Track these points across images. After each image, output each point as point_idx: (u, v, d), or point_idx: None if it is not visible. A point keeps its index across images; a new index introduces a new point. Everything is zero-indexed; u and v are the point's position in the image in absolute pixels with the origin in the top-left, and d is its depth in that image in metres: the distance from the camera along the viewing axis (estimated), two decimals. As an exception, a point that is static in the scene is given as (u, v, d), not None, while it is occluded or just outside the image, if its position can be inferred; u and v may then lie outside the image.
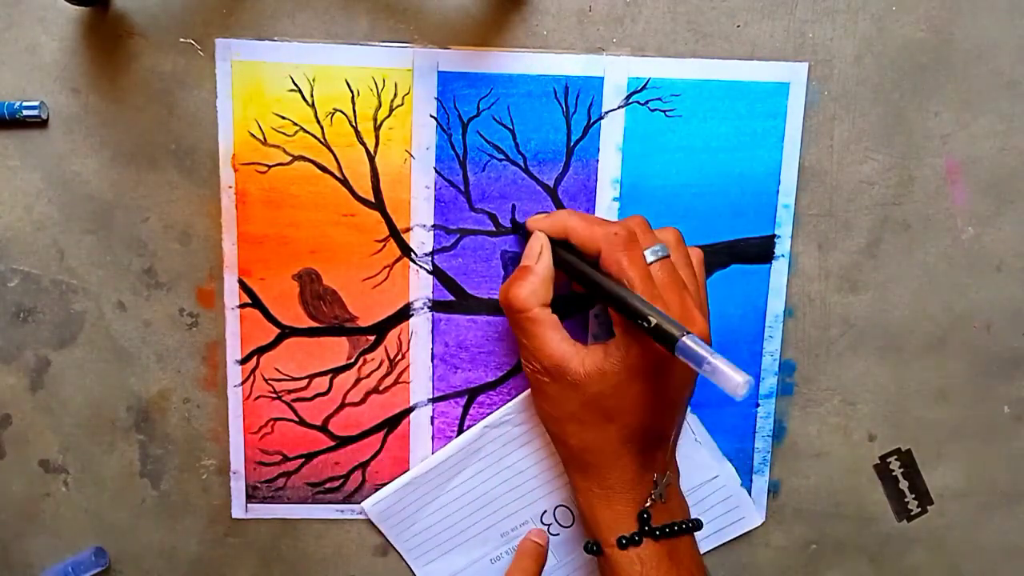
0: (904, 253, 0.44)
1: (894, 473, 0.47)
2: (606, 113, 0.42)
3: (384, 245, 0.43)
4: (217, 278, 0.43)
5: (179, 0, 0.40)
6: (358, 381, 0.44)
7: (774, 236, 0.43)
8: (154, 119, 0.41)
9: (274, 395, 0.44)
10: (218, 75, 0.41)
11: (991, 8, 0.42)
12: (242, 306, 0.43)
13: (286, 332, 0.43)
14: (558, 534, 0.46)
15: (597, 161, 0.42)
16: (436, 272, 0.43)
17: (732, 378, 0.31)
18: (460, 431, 0.45)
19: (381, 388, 0.44)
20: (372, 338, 0.44)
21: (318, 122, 0.41)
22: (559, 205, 0.43)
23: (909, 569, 0.48)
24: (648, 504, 0.39)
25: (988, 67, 0.42)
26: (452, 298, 0.43)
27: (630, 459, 0.39)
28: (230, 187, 0.42)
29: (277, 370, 0.44)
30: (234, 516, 0.46)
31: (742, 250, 0.44)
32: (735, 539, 0.47)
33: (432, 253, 0.43)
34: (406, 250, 0.43)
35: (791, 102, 0.42)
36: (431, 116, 0.41)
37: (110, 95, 0.41)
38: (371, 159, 0.42)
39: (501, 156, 0.42)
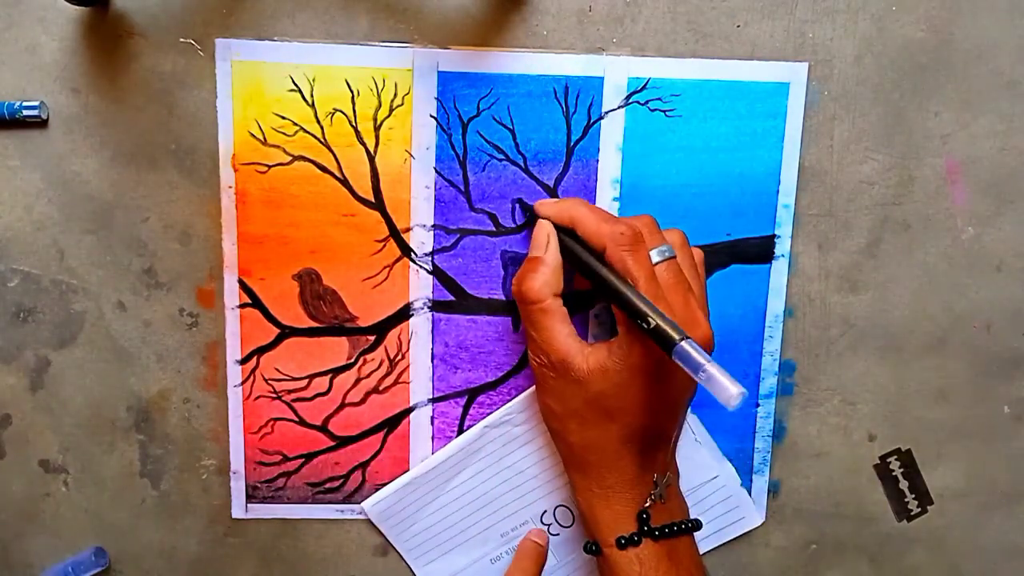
0: (904, 253, 0.44)
1: (894, 473, 0.47)
2: (606, 113, 0.42)
3: (384, 245, 0.43)
4: (217, 278, 0.43)
5: (179, 0, 0.40)
6: (358, 381, 0.44)
7: (774, 236, 0.43)
8: (154, 119, 0.41)
9: (274, 395, 0.44)
10: (218, 75, 0.41)
11: (991, 8, 0.42)
12: (242, 306, 0.43)
13: (286, 332, 0.43)
14: (558, 534, 0.46)
15: (597, 161, 0.42)
16: (436, 272, 0.43)
17: (726, 388, 0.31)
18: (460, 431, 0.45)
19: (381, 388, 0.44)
20: (372, 338, 0.44)
21: (318, 122, 0.41)
22: (559, 205, 0.43)
23: (909, 569, 0.48)
24: (647, 504, 0.39)
25: (988, 67, 0.42)
26: (452, 298, 0.43)
27: (630, 459, 0.39)
28: (230, 187, 0.42)
29: (277, 370, 0.44)
30: (234, 516, 0.46)
31: (742, 250, 0.44)
32: (735, 539, 0.47)
33: (432, 253, 0.43)
34: (406, 250, 0.43)
35: (791, 102, 0.42)
36: (431, 116, 0.41)
37: (110, 95, 0.41)
38: (371, 159, 0.42)
39: (501, 156, 0.42)
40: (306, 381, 0.44)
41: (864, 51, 0.42)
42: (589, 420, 0.38)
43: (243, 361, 0.44)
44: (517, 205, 0.42)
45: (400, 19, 0.41)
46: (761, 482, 0.46)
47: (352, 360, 0.44)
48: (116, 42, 0.40)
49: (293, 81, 0.41)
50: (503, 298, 0.43)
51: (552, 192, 0.43)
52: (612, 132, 0.42)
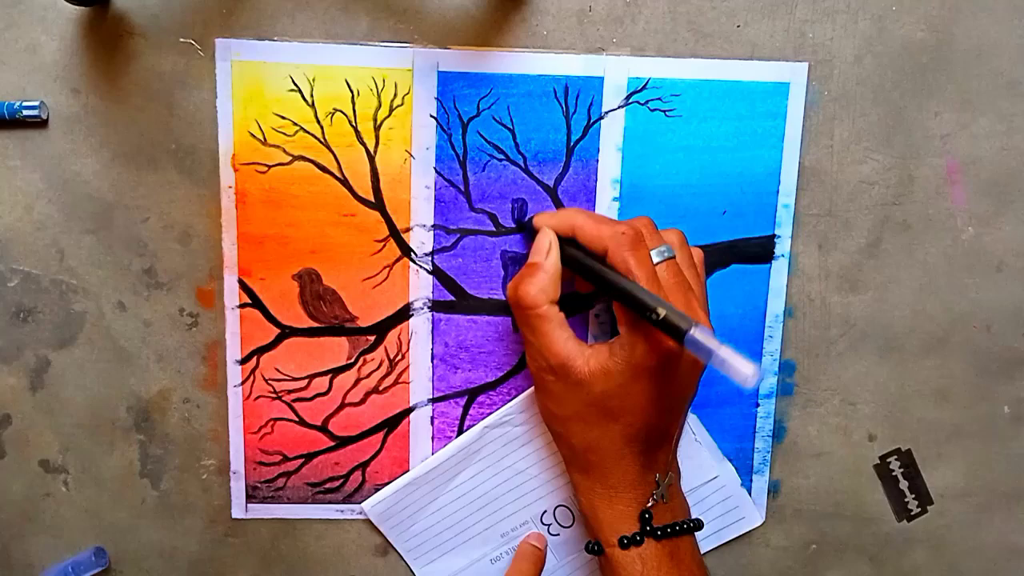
0: (904, 253, 0.44)
1: (894, 473, 0.47)
2: (606, 113, 0.42)
3: (384, 245, 0.43)
4: (217, 278, 0.43)
5: (179, 0, 0.40)
6: (358, 381, 0.44)
7: (774, 236, 0.43)
8: (154, 119, 0.41)
9: (274, 395, 0.44)
10: (218, 75, 0.41)
11: (991, 8, 0.42)
12: (242, 306, 0.43)
13: (286, 332, 0.43)
14: (558, 534, 0.46)
15: (597, 161, 0.42)
16: (436, 272, 0.43)
17: (741, 369, 0.31)
18: (460, 431, 0.45)
19: (381, 388, 0.44)
20: (372, 338, 0.44)
21: (318, 122, 0.41)
22: (559, 205, 0.43)
23: (909, 569, 0.48)
24: (650, 504, 0.39)
25: (988, 67, 0.42)
26: (452, 298, 0.43)
27: (632, 459, 0.39)
28: (230, 187, 0.42)
29: (277, 370, 0.44)
30: (234, 516, 0.46)
31: (742, 250, 0.44)
32: (735, 539, 0.47)
33: (432, 253, 0.43)
34: (406, 250, 0.43)
35: (791, 102, 0.42)
36: (431, 116, 0.41)
37: (110, 95, 0.41)
38: (371, 159, 0.42)
39: (501, 156, 0.42)
40: (306, 381, 0.44)
41: (864, 51, 0.42)
42: (591, 421, 0.38)
43: (243, 361, 0.44)
44: (516, 216, 0.42)
45: (400, 19, 0.41)
46: (761, 482, 0.46)
47: (352, 360, 0.44)
48: (116, 42, 0.40)
49: (293, 81, 0.41)
50: (503, 298, 0.43)
51: (552, 192, 0.43)
52: (612, 132, 0.42)
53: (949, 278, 0.44)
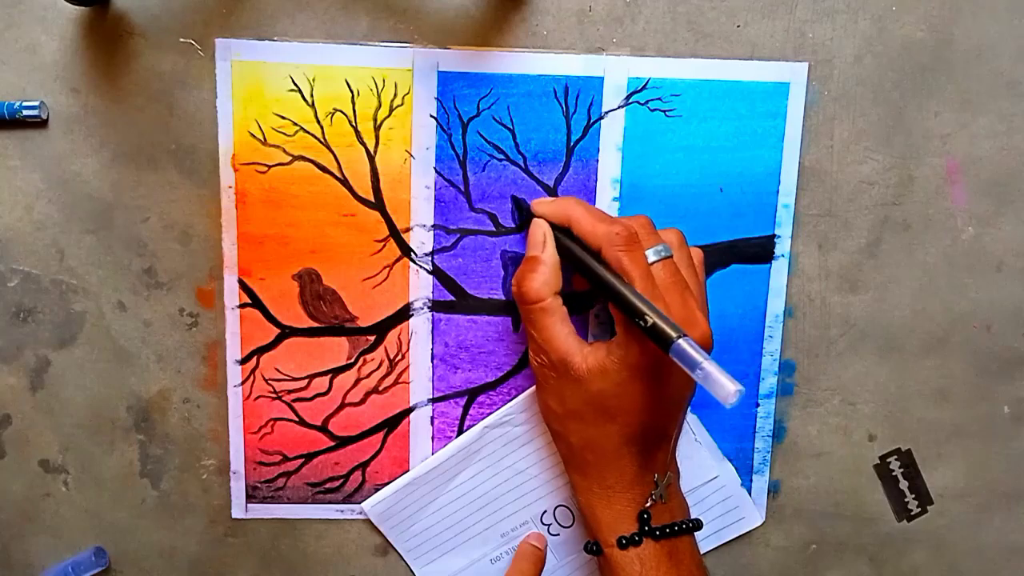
0: (904, 253, 0.44)
1: (894, 473, 0.47)
2: (606, 113, 0.42)
3: (384, 245, 0.43)
4: (217, 278, 0.43)
5: (179, 0, 0.40)
6: (358, 381, 0.44)
7: (774, 236, 0.43)
8: (154, 119, 0.41)
9: (274, 395, 0.44)
10: (218, 75, 0.41)
11: (991, 8, 0.42)
12: (242, 306, 0.43)
13: (286, 332, 0.43)
14: (558, 534, 0.46)
15: (597, 161, 0.42)
16: (436, 272, 0.43)
17: (724, 385, 0.31)
18: (460, 431, 0.45)
19: (381, 388, 0.44)
20: (372, 338, 0.44)
21: (318, 122, 0.41)
22: (559, 205, 0.43)
23: (909, 569, 0.48)
24: (648, 504, 0.39)
25: (988, 67, 0.42)
26: (452, 298, 0.43)
27: (630, 459, 0.39)
28: (230, 187, 0.42)
29: (277, 370, 0.44)
30: (234, 516, 0.46)
31: (742, 250, 0.44)
32: (735, 539, 0.47)
33: (432, 253, 0.43)
34: (406, 250, 0.43)
35: (791, 102, 0.42)
36: (431, 116, 0.41)
37: (110, 95, 0.41)
38: (371, 159, 0.42)
39: (501, 156, 0.42)
40: (306, 381, 0.44)
41: (864, 51, 0.42)
42: (589, 420, 0.38)
43: (243, 361, 0.44)
44: (514, 203, 0.42)
45: (400, 19, 0.41)
46: (761, 482, 0.46)
47: (352, 360, 0.44)
48: (116, 42, 0.40)
49: (293, 81, 0.41)
50: (503, 298, 0.43)
51: (552, 192, 0.42)
52: (612, 132, 0.42)
53: (949, 278, 0.44)
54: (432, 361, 0.44)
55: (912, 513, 0.47)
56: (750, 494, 0.46)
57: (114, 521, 0.46)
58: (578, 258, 0.38)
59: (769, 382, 0.45)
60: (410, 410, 0.45)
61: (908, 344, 0.45)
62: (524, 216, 0.42)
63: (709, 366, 0.31)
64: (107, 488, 0.45)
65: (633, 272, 0.36)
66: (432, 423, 0.45)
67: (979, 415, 0.46)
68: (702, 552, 0.43)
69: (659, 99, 0.42)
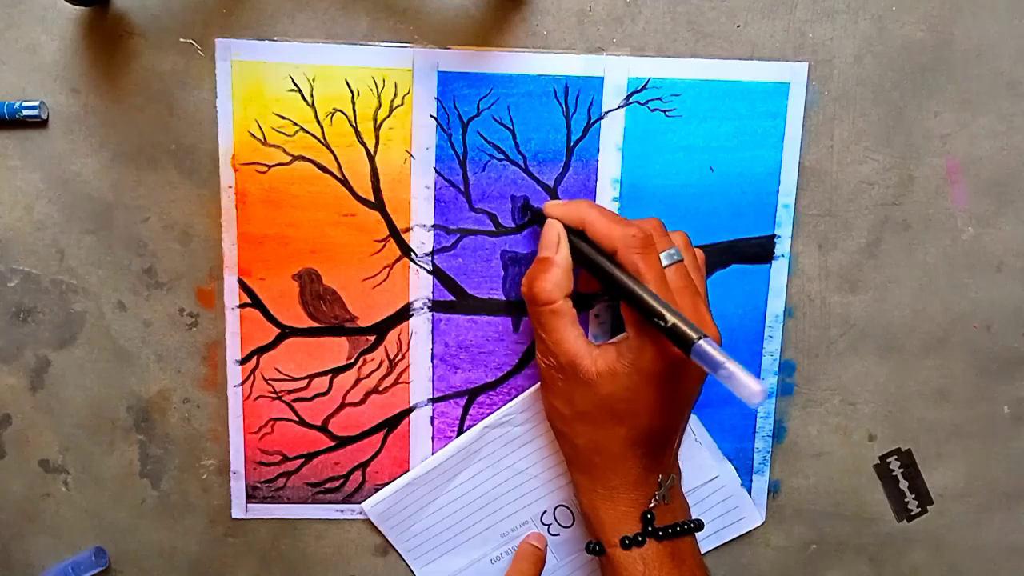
0: (904, 253, 0.44)
1: (894, 473, 0.47)
2: (606, 113, 0.42)
3: (384, 245, 0.43)
4: (217, 278, 0.43)
5: (179, 0, 0.40)
6: (358, 381, 0.44)
7: (774, 236, 0.43)
8: (154, 119, 0.41)
9: (274, 395, 0.44)
10: (218, 75, 0.41)
11: (991, 8, 0.42)
12: (242, 306, 0.43)
13: (286, 332, 0.43)
14: (558, 534, 0.46)
15: (597, 161, 0.42)
16: (436, 272, 0.43)
17: (748, 385, 0.30)
18: (460, 431, 0.45)
19: (381, 388, 0.44)
20: (372, 338, 0.44)
21: (318, 122, 0.41)
22: (559, 205, 0.43)
23: (909, 569, 0.48)
24: (652, 505, 0.39)
25: (988, 67, 0.42)
26: (452, 298, 0.43)
27: (636, 461, 0.39)
28: (230, 187, 0.42)
29: (277, 370, 0.44)
30: (234, 516, 0.46)
31: (742, 250, 0.44)
32: (735, 539, 0.47)
33: (432, 253, 0.43)
34: (406, 250, 0.43)
35: (791, 102, 0.42)
36: (431, 116, 0.41)
37: (110, 95, 0.41)
38: (371, 159, 0.42)
39: (501, 156, 0.42)
40: (306, 381, 0.44)
41: (864, 51, 0.42)
42: (596, 422, 0.38)
43: (243, 361, 0.44)
44: (522, 206, 0.42)
45: (400, 19, 0.41)
46: (761, 482, 0.46)
47: (352, 360, 0.44)
48: (116, 42, 0.40)
49: (293, 81, 0.41)
50: (503, 298, 0.43)
51: (552, 192, 0.43)
52: (612, 132, 0.42)
53: (949, 278, 0.44)
54: (432, 361, 0.44)
55: (912, 513, 0.47)
56: (750, 494, 0.46)
57: (114, 521, 0.46)
58: (592, 260, 0.38)
59: (769, 382, 0.45)
60: (410, 410, 0.45)
61: (908, 344, 0.45)
62: (533, 218, 0.42)
63: (733, 366, 0.31)
64: (107, 488, 0.45)
65: (648, 275, 0.36)
66: (432, 423, 0.45)
67: (979, 415, 0.46)
68: (703, 552, 0.43)
69: (659, 99, 0.42)
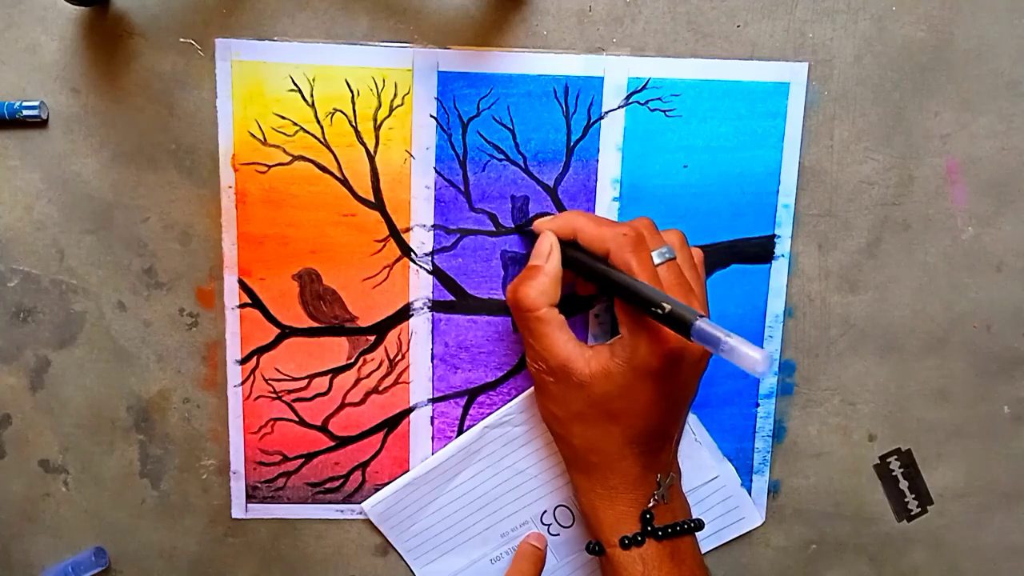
0: (904, 253, 0.44)
1: (894, 473, 0.47)
2: (606, 113, 0.42)
3: (384, 245, 0.43)
4: (217, 278, 0.43)
5: (179, 0, 0.40)
6: (358, 381, 0.44)
7: (774, 236, 0.43)
8: (154, 119, 0.41)
9: (274, 395, 0.44)
10: (218, 75, 0.41)
11: (991, 8, 0.42)
12: (242, 306, 0.43)
13: (286, 332, 0.43)
14: (558, 534, 0.46)
15: (597, 161, 0.42)
16: (436, 272, 0.43)
17: (750, 355, 0.30)
18: (460, 431, 0.45)
19: (381, 388, 0.44)
20: (372, 338, 0.44)
21: (318, 122, 0.41)
22: (559, 205, 0.43)
23: (909, 569, 0.48)
24: (651, 504, 0.39)
25: (988, 67, 0.42)
26: (452, 298, 0.43)
27: (633, 460, 0.39)
28: (230, 187, 0.42)
29: (277, 370, 0.44)
30: (234, 516, 0.46)
31: (742, 250, 0.44)
32: (735, 539, 0.47)
33: (432, 253, 0.43)
34: (406, 250, 0.43)
35: (791, 102, 0.42)
36: (431, 116, 0.41)
37: (110, 95, 0.41)
38: (371, 159, 0.42)
39: (501, 156, 0.42)
40: (306, 381, 0.44)
41: (864, 51, 0.42)
42: (592, 422, 0.38)
43: (243, 361, 0.44)
44: (517, 211, 0.42)
45: (400, 19, 0.41)
46: (761, 482, 0.46)
47: (352, 360, 0.44)
48: (116, 42, 0.40)
49: (293, 81, 0.41)
50: (503, 298, 0.43)
51: (552, 192, 0.43)
52: (612, 132, 0.42)
53: (949, 278, 0.44)
54: (432, 361, 0.44)
55: (912, 513, 0.47)
56: (750, 494, 0.46)
57: (114, 521, 0.46)
58: (586, 264, 0.38)
59: (769, 382, 0.45)
60: (410, 410, 0.45)
61: (908, 344, 0.45)
62: (527, 235, 0.42)
63: (733, 340, 0.31)
64: (107, 488, 0.45)
65: (641, 273, 0.36)
66: (432, 423, 0.45)
67: (979, 415, 0.46)
68: (703, 552, 0.43)
69: (659, 99, 0.42)
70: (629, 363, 0.37)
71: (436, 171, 0.42)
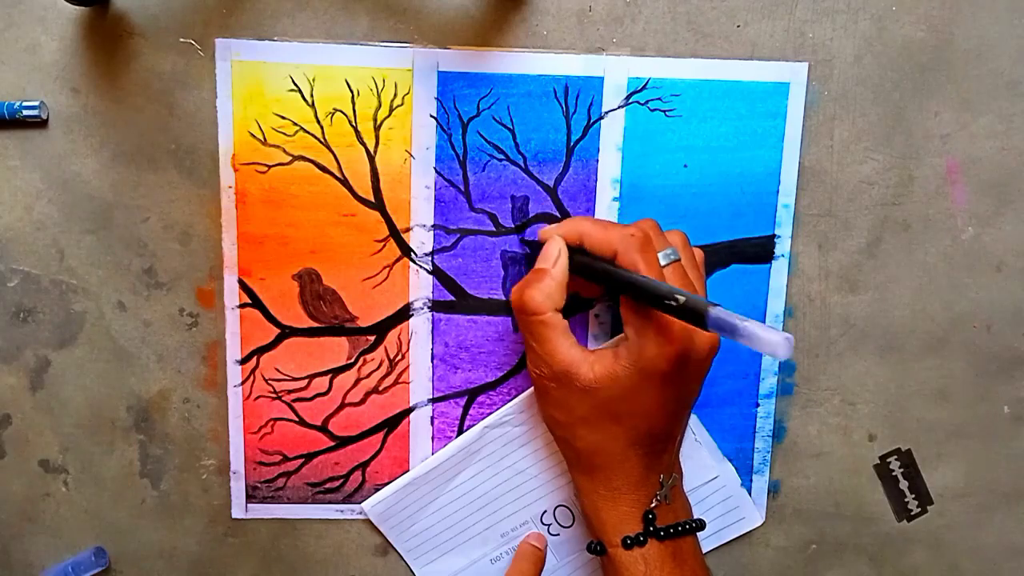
0: (904, 253, 0.44)
1: (894, 473, 0.47)
2: (606, 113, 0.42)
3: (384, 245, 0.43)
4: (217, 278, 0.43)
5: (179, 0, 0.40)
6: (358, 381, 0.44)
7: (774, 236, 0.43)
8: (154, 119, 0.41)
9: (274, 395, 0.44)
10: (218, 75, 0.41)
11: (991, 8, 0.42)
12: (242, 306, 0.43)
13: (286, 332, 0.43)
14: (558, 534, 0.46)
15: (597, 161, 0.42)
16: (436, 272, 0.43)
17: (770, 340, 0.29)
18: (460, 431, 0.45)
19: (381, 388, 0.44)
20: (372, 338, 0.44)
21: (318, 122, 0.41)
22: (559, 205, 0.43)
23: (909, 569, 0.48)
24: (653, 504, 0.39)
25: (988, 67, 0.42)
26: (452, 298, 0.43)
27: (637, 461, 0.39)
28: (230, 187, 0.42)
29: (277, 370, 0.44)
30: (234, 516, 0.46)
31: (742, 250, 0.44)
32: (735, 539, 0.47)
33: (432, 253, 0.43)
34: (406, 250, 0.43)
35: (791, 102, 0.42)
36: (431, 116, 0.41)
37: (110, 95, 0.41)
38: (371, 159, 0.42)
39: (501, 156, 0.42)
40: (306, 381, 0.44)
41: (864, 51, 0.42)
42: (596, 425, 0.38)
43: (243, 361, 0.44)
44: (517, 212, 0.43)
45: (400, 19, 0.41)
46: (761, 482, 0.46)
47: (352, 360, 0.44)
48: (116, 42, 0.40)
49: (293, 81, 0.41)
50: (503, 298, 0.43)
51: (552, 192, 0.43)
52: (612, 132, 0.42)
53: (949, 278, 0.44)
54: (432, 361, 0.44)
55: (912, 513, 0.47)
56: (750, 494, 0.46)
57: (114, 521, 0.46)
58: (594, 267, 0.38)
59: (769, 382, 0.45)
60: (410, 410, 0.45)
61: (908, 344, 0.45)
62: (532, 248, 0.43)
63: (751, 325, 0.30)
64: (107, 488, 0.45)
65: (649, 274, 0.36)
66: (432, 423, 0.45)
67: (979, 415, 0.46)
68: (703, 552, 0.43)
69: (659, 99, 0.42)
70: (635, 365, 0.37)
71: (436, 171, 0.42)
